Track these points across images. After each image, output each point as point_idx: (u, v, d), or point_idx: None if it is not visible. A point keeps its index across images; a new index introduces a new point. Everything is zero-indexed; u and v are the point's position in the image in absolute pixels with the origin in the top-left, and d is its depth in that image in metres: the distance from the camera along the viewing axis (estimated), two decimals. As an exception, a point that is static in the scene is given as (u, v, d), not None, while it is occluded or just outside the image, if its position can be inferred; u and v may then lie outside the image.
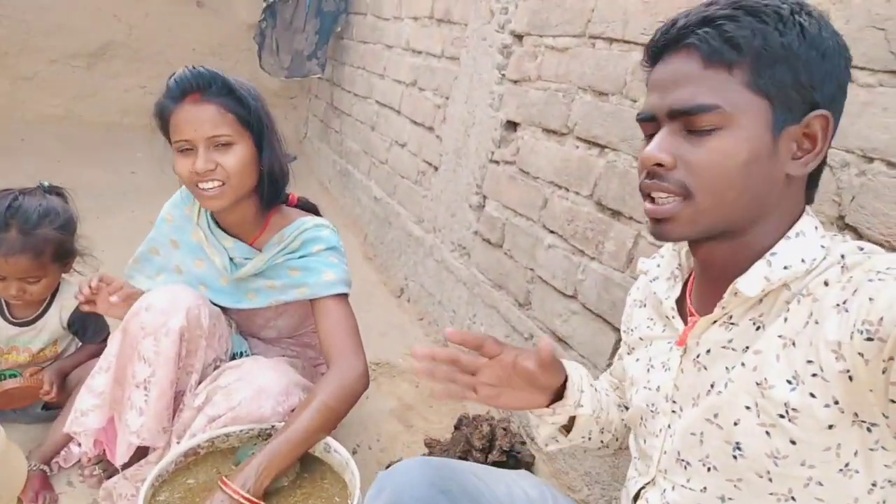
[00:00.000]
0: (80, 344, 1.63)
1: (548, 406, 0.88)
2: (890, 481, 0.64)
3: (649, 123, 0.72)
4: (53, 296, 1.55)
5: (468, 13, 2.18)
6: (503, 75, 1.95)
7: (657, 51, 0.72)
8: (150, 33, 4.72)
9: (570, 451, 1.56)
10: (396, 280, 2.72)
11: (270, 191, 1.35)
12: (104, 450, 1.32)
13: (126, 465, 1.27)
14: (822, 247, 0.68)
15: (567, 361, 0.92)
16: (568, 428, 0.96)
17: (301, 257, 1.37)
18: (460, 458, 1.61)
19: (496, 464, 1.56)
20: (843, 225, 0.96)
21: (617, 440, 1.01)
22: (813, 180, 0.73)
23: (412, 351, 0.82)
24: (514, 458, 1.59)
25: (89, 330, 1.59)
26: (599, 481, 1.45)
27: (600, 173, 1.50)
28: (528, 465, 1.62)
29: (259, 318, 1.50)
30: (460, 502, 0.82)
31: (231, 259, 1.38)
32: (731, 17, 0.65)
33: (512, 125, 1.91)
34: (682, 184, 0.68)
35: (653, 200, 0.71)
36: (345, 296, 1.37)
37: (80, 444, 1.33)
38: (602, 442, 0.99)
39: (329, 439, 1.22)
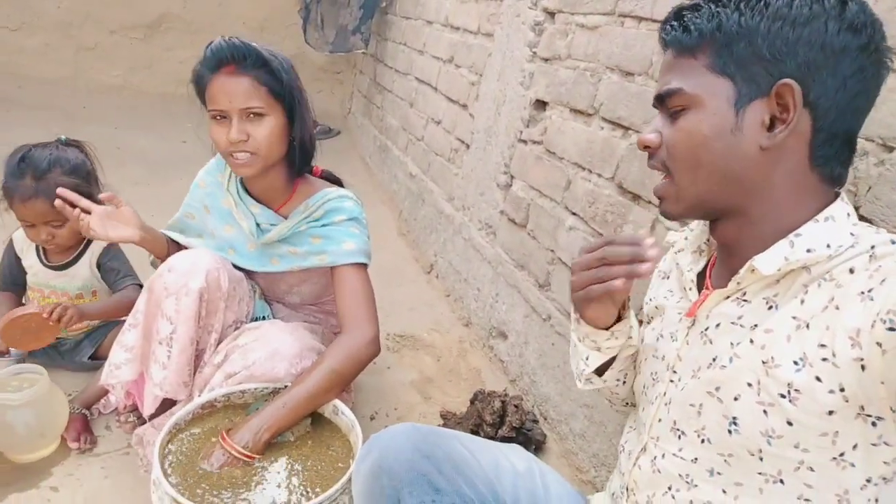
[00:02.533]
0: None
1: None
2: (884, 478, 0.63)
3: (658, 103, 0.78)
4: (88, 245, 1.65)
5: (504, -11, 2.16)
6: (534, 53, 1.93)
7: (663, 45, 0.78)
8: (203, 6, 4.86)
9: (580, 432, 1.57)
10: (427, 256, 2.76)
11: (300, 160, 1.41)
12: (134, 401, 1.42)
13: (154, 416, 1.36)
14: (852, 234, 0.67)
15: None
16: (601, 372, 0.95)
17: (323, 226, 1.42)
18: (472, 431, 1.65)
19: (505, 439, 1.58)
20: (857, 216, 0.92)
21: None
22: (823, 157, 0.69)
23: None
24: (525, 436, 1.62)
25: (114, 274, 1.66)
26: (606, 464, 1.46)
27: (622, 155, 1.48)
28: (540, 444, 1.65)
29: (283, 284, 1.56)
30: (443, 467, 0.85)
31: (258, 225, 1.44)
32: (694, 7, 0.71)
33: (541, 104, 1.90)
34: (663, 162, 0.75)
35: None
36: (363, 266, 1.42)
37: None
38: (633, 392, 0.98)
39: (337, 402, 1.27)
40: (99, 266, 1.65)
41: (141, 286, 1.60)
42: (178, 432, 1.18)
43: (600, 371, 0.94)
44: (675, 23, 0.73)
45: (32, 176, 1.47)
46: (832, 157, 0.70)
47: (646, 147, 0.76)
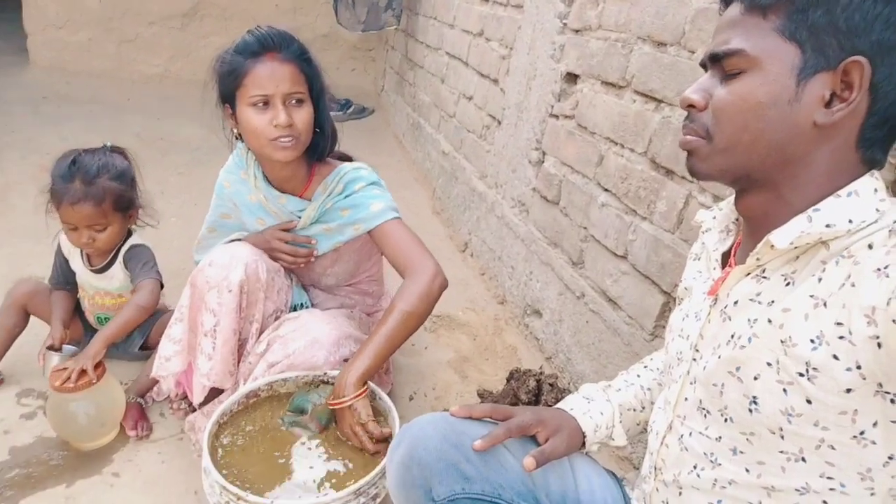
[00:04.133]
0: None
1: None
2: None
3: (704, 67, 0.74)
4: (121, 248, 1.70)
5: (531, -42, 2.09)
6: (565, 24, 1.87)
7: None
8: (237, -8, 4.89)
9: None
10: (461, 235, 2.76)
11: (330, 147, 1.46)
12: (184, 389, 1.50)
13: (203, 403, 1.44)
14: (877, 210, 0.64)
15: (591, 404, 1.02)
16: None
17: (346, 196, 1.45)
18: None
19: (541, 418, 1.60)
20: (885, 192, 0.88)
21: None
22: (870, 140, 0.67)
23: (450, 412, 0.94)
24: (561, 414, 1.62)
25: (136, 264, 1.68)
26: (642, 440, 1.46)
27: (655, 129, 1.43)
28: (576, 421, 1.65)
29: (317, 267, 1.59)
30: (471, 455, 0.87)
31: (291, 212, 1.48)
32: None
33: (572, 78, 1.85)
34: (705, 125, 0.72)
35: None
36: (397, 219, 1.45)
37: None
38: None
39: (374, 387, 1.31)
40: (126, 264, 1.71)
41: (157, 279, 1.65)
42: (226, 421, 1.24)
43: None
44: None
45: (82, 180, 1.53)
46: (878, 141, 0.67)
47: (690, 106, 0.72)
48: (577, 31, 1.82)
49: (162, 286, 1.70)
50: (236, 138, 1.43)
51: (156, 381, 1.64)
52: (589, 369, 1.69)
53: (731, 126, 0.69)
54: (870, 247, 0.61)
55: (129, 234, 1.71)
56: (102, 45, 4.80)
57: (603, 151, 1.66)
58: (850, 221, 0.64)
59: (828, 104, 0.65)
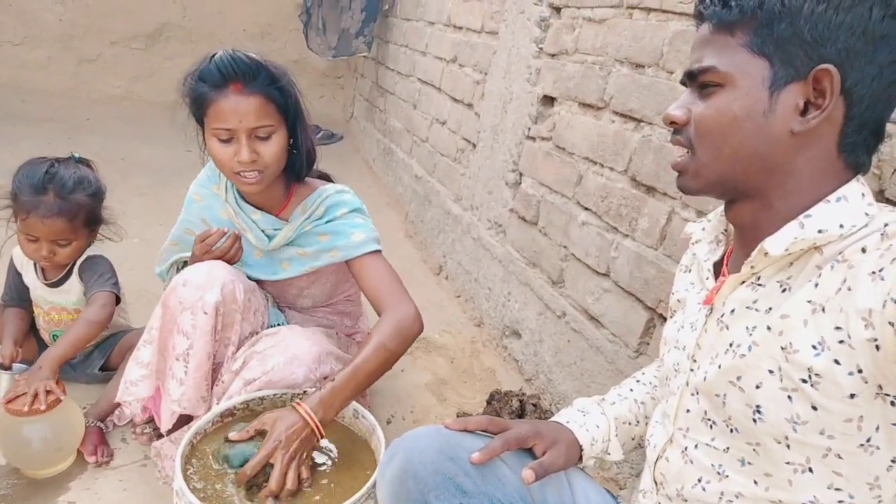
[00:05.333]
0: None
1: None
2: None
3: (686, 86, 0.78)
4: (77, 259, 1.61)
5: (508, -14, 2.15)
6: (540, 49, 1.91)
7: (699, 18, 0.76)
8: (203, 14, 4.87)
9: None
10: (435, 258, 2.74)
11: (306, 168, 1.41)
12: (150, 413, 1.41)
13: (171, 431, 1.35)
14: (867, 214, 0.65)
15: (586, 417, 1.01)
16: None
17: (328, 222, 1.40)
18: (490, 431, 1.64)
19: (524, 438, 1.57)
20: (882, 199, 0.91)
21: None
22: (851, 145, 0.68)
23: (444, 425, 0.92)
24: (543, 434, 1.60)
25: (91, 275, 1.58)
26: (628, 459, 1.44)
27: (635, 148, 1.46)
28: (558, 442, 1.63)
29: (293, 288, 1.54)
30: (468, 468, 0.84)
31: (262, 231, 1.43)
32: None
33: (548, 100, 1.89)
34: (689, 139, 0.74)
35: None
36: (378, 252, 1.40)
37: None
38: None
39: (357, 406, 1.26)
40: (80, 275, 1.62)
41: (112, 292, 1.56)
42: (199, 442, 1.17)
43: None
44: None
45: (57, 194, 1.45)
46: (860, 145, 0.69)
47: (672, 123, 0.76)
48: (553, 55, 1.86)
49: (119, 300, 1.61)
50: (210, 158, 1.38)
51: (118, 405, 1.54)
52: (571, 389, 1.68)
53: (712, 139, 0.71)
54: (863, 250, 0.62)
55: (88, 245, 1.63)
56: (61, 64, 4.67)
57: (582, 171, 1.68)
58: (842, 226, 0.65)
59: (803, 112, 0.66)
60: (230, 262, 1.38)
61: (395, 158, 3.52)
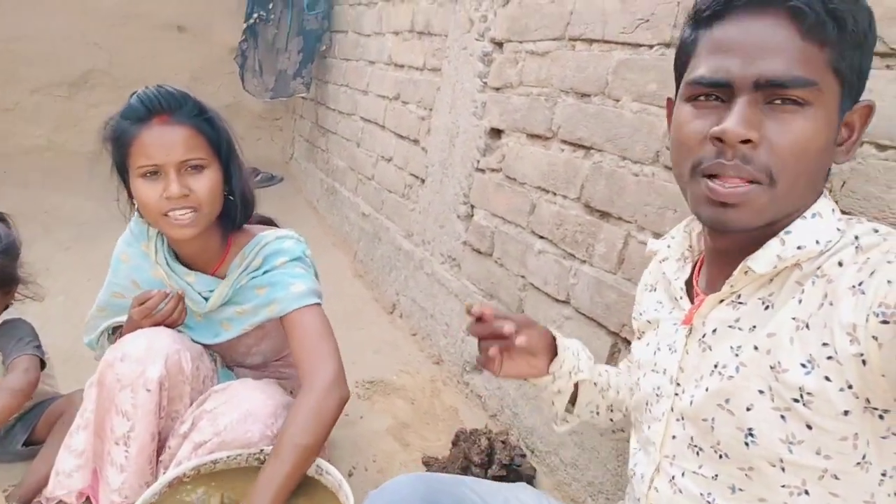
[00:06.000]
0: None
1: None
2: None
3: (716, 89, 0.65)
4: None
5: (448, 24, 2.18)
6: (485, 83, 1.93)
7: (731, 6, 0.63)
8: (132, 60, 4.71)
9: (571, 461, 1.52)
10: (388, 296, 2.68)
11: (241, 215, 1.31)
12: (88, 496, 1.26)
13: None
14: (838, 230, 0.66)
15: (566, 339, 0.98)
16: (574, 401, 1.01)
17: (265, 273, 1.29)
18: (459, 474, 1.57)
19: (496, 478, 1.51)
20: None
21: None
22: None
23: (467, 306, 0.87)
24: (515, 472, 1.54)
25: (9, 340, 1.45)
26: (603, 491, 1.41)
27: (587, 175, 1.48)
28: (530, 479, 1.58)
29: (241, 347, 1.43)
30: (455, 518, 0.78)
31: (199, 293, 1.31)
32: None
33: (496, 132, 1.90)
34: (767, 167, 0.62)
35: (713, 179, 0.64)
36: (317, 305, 1.29)
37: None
38: (612, 420, 1.02)
39: (320, 461, 1.17)
40: None
41: (34, 356, 1.41)
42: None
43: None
44: None
45: None
46: None
47: (744, 142, 0.62)
48: (497, 88, 1.88)
49: (44, 365, 1.46)
50: (137, 210, 1.27)
51: (44, 484, 1.38)
52: (538, 422, 1.64)
53: (797, 169, 0.62)
54: (840, 264, 0.62)
55: (5, 308, 1.48)
56: (-26, 115, 4.39)
57: (534, 200, 1.68)
58: (818, 242, 0.65)
59: (839, 143, 0.67)
60: (173, 325, 1.26)
61: (339, 197, 3.46)
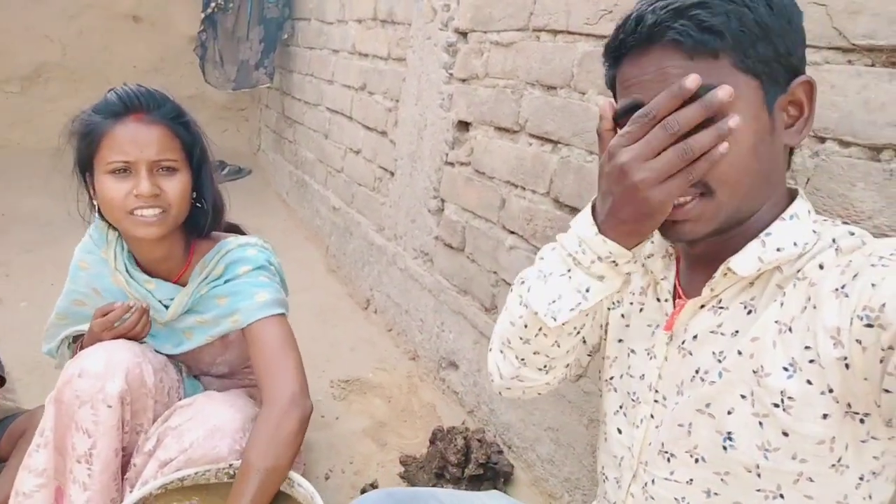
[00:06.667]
0: None
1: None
2: (874, 472, 0.63)
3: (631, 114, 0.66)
4: None
5: (411, 12, 2.12)
6: (451, 74, 1.89)
7: (623, 51, 0.67)
8: (86, 52, 4.54)
9: (548, 457, 1.52)
10: (362, 291, 2.65)
11: (210, 223, 1.28)
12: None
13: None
14: (814, 231, 0.66)
15: None
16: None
17: (227, 282, 1.26)
18: (437, 474, 1.56)
19: (473, 477, 1.51)
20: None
21: (572, 371, 0.93)
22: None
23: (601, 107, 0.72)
24: (492, 470, 1.54)
25: None
26: (580, 487, 1.41)
27: (555, 170, 1.46)
28: (507, 475, 1.58)
29: (205, 356, 1.39)
30: (426, 540, 0.76)
31: (160, 301, 1.27)
32: (702, 4, 0.61)
33: (464, 125, 1.86)
34: (704, 181, 0.63)
35: None
36: (281, 316, 1.26)
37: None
38: (566, 362, 0.85)
39: (292, 474, 1.15)
40: None
41: None
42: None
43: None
44: (685, 22, 0.62)
45: None
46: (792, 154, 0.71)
47: None
48: (463, 80, 1.84)
49: (4, 381, 1.41)
50: (97, 213, 1.23)
51: (6, 499, 1.34)
52: (515, 418, 1.64)
53: (733, 175, 0.63)
54: (821, 267, 0.62)
55: None
56: (-80, 113, 4.19)
57: (504, 195, 1.66)
58: (795, 244, 0.65)
59: (788, 125, 0.66)
60: (136, 338, 1.22)
61: (309, 190, 3.40)
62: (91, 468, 1.11)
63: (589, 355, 0.92)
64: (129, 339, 1.22)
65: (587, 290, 0.69)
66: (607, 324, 0.87)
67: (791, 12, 0.65)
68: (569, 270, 0.70)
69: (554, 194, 1.47)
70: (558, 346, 0.76)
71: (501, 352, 0.83)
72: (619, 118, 0.68)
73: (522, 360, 0.80)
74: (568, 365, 0.85)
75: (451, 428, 1.64)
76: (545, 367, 0.81)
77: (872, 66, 0.85)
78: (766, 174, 0.65)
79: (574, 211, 1.41)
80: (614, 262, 0.67)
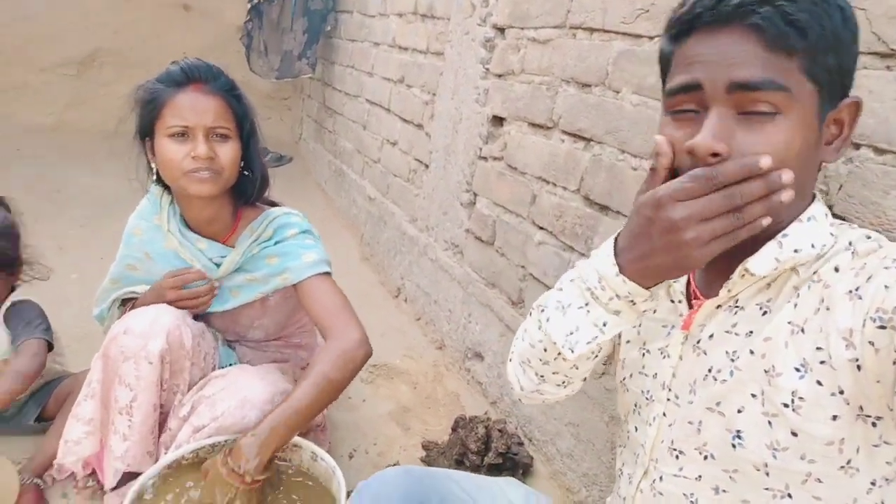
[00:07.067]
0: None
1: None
2: (887, 479, 0.63)
3: (689, 95, 0.65)
4: (1, 306, 1.50)
5: (450, 7, 2.15)
6: (487, 70, 1.91)
7: (696, 24, 0.65)
8: (138, 39, 4.71)
9: (567, 452, 1.54)
10: (393, 280, 2.70)
11: (258, 191, 1.38)
12: (94, 467, 1.31)
13: (116, 488, 1.25)
14: (832, 234, 0.66)
15: None
16: None
17: (276, 243, 1.36)
18: (457, 460, 1.60)
19: (492, 466, 1.54)
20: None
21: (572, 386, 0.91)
22: None
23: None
24: (511, 460, 1.57)
25: (18, 322, 1.47)
26: (597, 482, 1.43)
27: (587, 167, 1.47)
28: (527, 467, 1.60)
29: (244, 319, 1.47)
30: (439, 515, 0.80)
31: (210, 259, 1.36)
32: None
33: (498, 120, 1.88)
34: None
35: None
36: (328, 274, 1.35)
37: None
38: (584, 377, 0.87)
39: (315, 448, 1.20)
40: (7, 323, 1.49)
41: (42, 339, 1.46)
42: (145, 496, 1.08)
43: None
44: (771, 10, 0.60)
45: None
46: None
47: (713, 156, 0.62)
48: (499, 75, 1.86)
49: (51, 347, 1.50)
50: (154, 178, 1.32)
51: (55, 457, 1.43)
52: (537, 411, 1.66)
53: None
54: (836, 269, 0.62)
55: (12, 290, 1.51)
56: (-15, 93, 4.42)
57: (535, 191, 1.68)
58: (813, 246, 0.65)
59: (827, 142, 0.67)
60: (194, 309, 1.33)
61: (347, 180, 3.47)
62: (132, 420, 1.19)
63: (605, 363, 0.94)
64: (189, 309, 1.32)
65: (604, 325, 0.69)
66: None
67: (857, 30, 0.64)
68: (587, 304, 0.70)
69: (584, 192, 1.48)
70: (577, 369, 0.79)
71: (521, 366, 0.85)
72: (671, 95, 0.67)
73: (542, 377, 0.82)
74: (585, 378, 0.87)
75: (474, 417, 1.67)
76: (563, 383, 0.83)
77: (910, 72, 0.84)
78: (801, 184, 0.63)
79: (603, 209, 1.42)
80: (632, 301, 0.67)
